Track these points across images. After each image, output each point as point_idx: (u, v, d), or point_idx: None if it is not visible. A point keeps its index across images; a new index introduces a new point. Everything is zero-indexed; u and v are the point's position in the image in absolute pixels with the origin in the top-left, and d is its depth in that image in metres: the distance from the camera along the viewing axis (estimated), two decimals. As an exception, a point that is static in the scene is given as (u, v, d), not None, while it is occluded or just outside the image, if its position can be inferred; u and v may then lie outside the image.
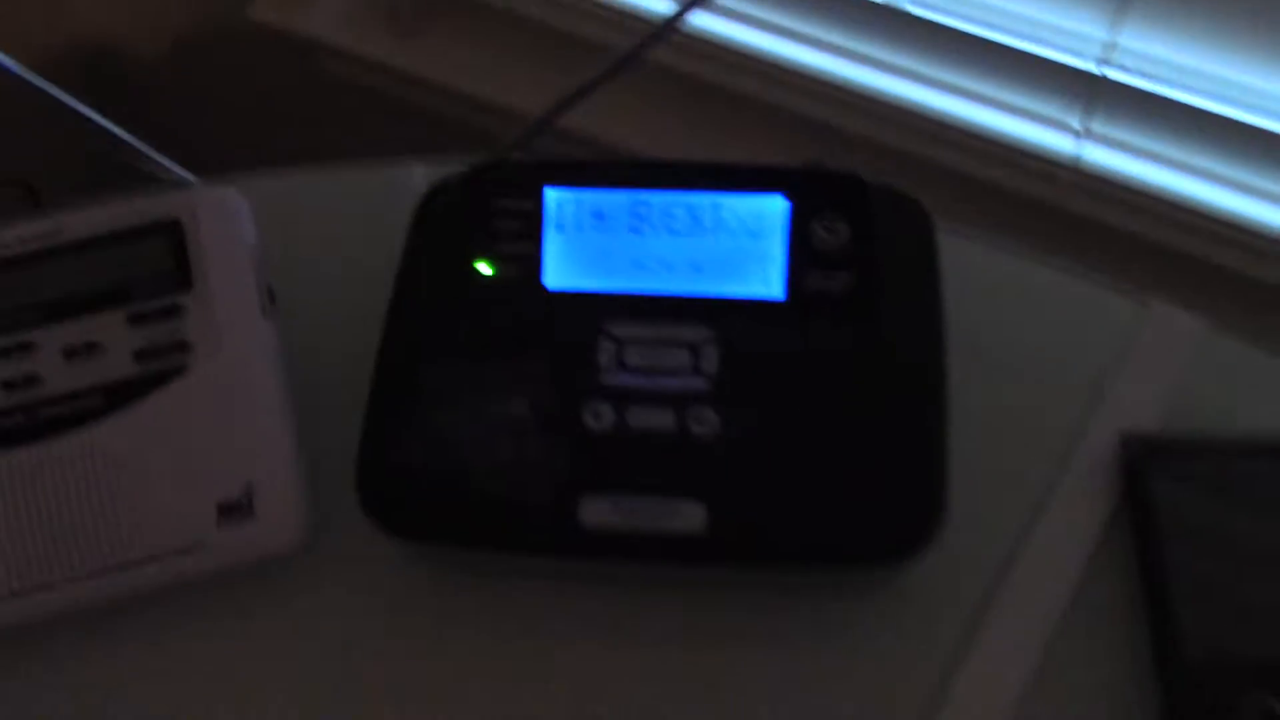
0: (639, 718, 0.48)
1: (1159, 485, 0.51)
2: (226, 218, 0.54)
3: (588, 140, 0.86)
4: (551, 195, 0.52)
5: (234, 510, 0.49)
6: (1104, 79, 0.69)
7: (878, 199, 0.52)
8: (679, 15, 0.52)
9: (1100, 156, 0.73)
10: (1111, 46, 0.67)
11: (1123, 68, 0.70)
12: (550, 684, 0.49)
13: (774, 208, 0.52)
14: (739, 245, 0.52)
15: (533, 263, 0.52)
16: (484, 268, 0.52)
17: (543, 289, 0.52)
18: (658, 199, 0.52)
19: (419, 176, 0.57)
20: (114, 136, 0.51)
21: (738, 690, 0.49)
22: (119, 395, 0.50)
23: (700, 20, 0.79)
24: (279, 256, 0.55)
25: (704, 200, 0.52)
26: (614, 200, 0.52)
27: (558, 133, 0.60)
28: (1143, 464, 0.51)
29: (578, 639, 0.50)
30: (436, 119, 0.95)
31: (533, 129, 0.56)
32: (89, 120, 0.51)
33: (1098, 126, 0.72)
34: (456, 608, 0.51)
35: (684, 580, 0.50)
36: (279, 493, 0.50)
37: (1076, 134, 0.73)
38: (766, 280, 0.51)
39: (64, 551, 0.48)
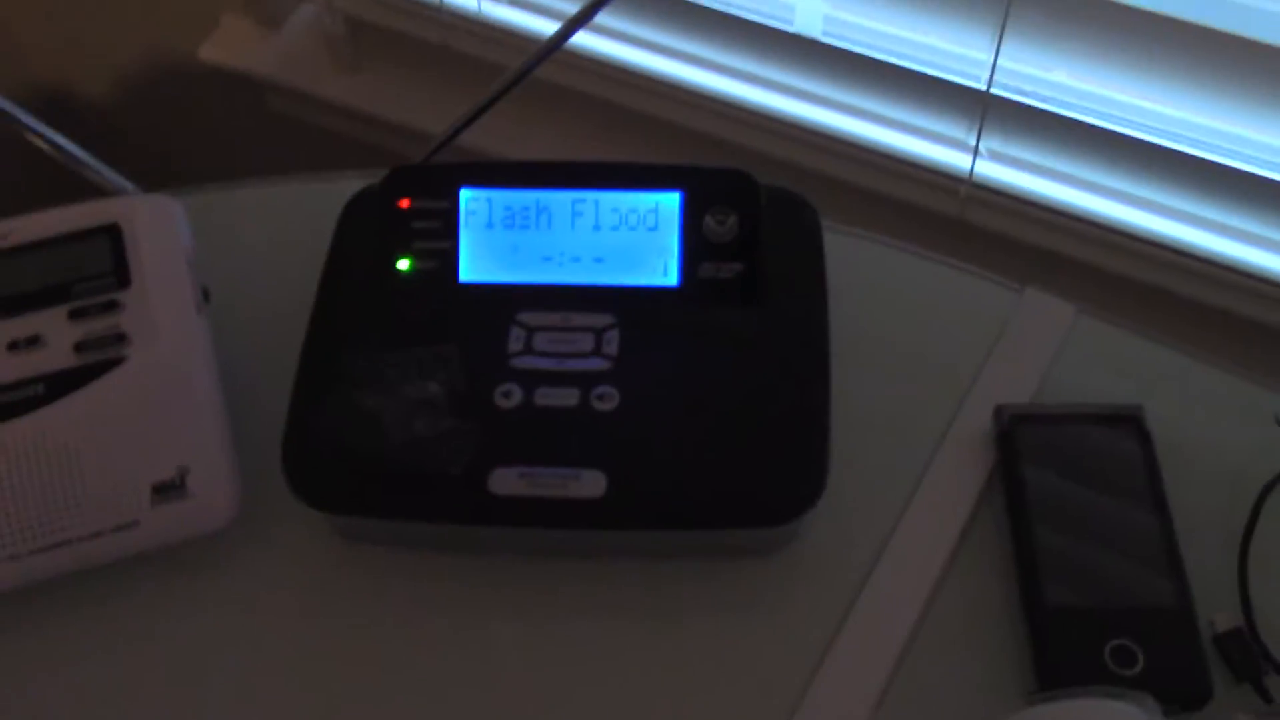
0: (544, 685, 0.52)
1: (1025, 451, 0.55)
2: (163, 221, 0.57)
3: (497, 157, 0.90)
4: (465, 195, 0.57)
5: (168, 490, 0.53)
6: (992, 96, 0.74)
7: (768, 195, 0.57)
8: (563, 37, 0.57)
9: (993, 170, 0.78)
10: (996, 68, 0.72)
11: (1008, 87, 0.75)
12: (461, 652, 0.53)
13: (668, 202, 0.56)
14: (638, 238, 0.56)
15: (448, 258, 0.56)
16: (403, 263, 0.56)
17: (457, 282, 0.56)
18: (562, 197, 0.57)
19: (350, 189, 0.61)
20: (58, 145, 0.55)
21: (631, 658, 0.52)
22: (60, 384, 0.53)
23: (591, 42, 0.84)
24: (217, 262, 0.59)
25: (604, 197, 0.56)
26: (522, 199, 0.57)
27: (473, 154, 0.64)
28: (1012, 432, 0.55)
29: (489, 610, 0.54)
30: (376, 149, 1.00)
31: (440, 143, 0.60)
32: (34, 130, 0.54)
33: (990, 142, 0.77)
34: (379, 583, 0.55)
35: (586, 551, 0.54)
36: (209, 473, 0.53)
37: (970, 149, 0.78)
38: (663, 269, 0.56)
39: (12, 529, 0.52)
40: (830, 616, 0.52)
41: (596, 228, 0.56)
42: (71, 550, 0.52)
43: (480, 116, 0.58)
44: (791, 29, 0.82)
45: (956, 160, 0.79)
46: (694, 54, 0.85)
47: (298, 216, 0.65)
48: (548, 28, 0.89)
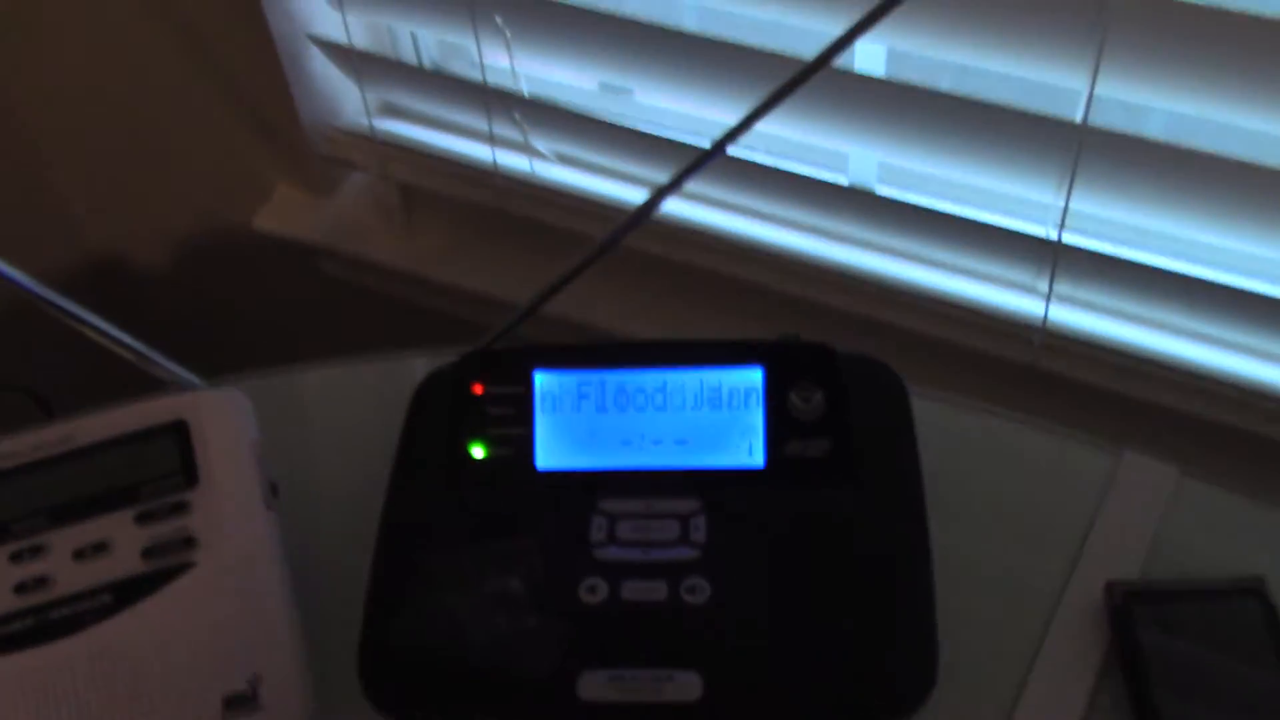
0: None
1: (1144, 631, 0.52)
2: (230, 416, 0.56)
3: (575, 325, 0.89)
4: (540, 379, 0.55)
5: (239, 703, 0.50)
6: (1063, 245, 0.72)
7: (850, 366, 0.55)
8: (650, 206, 0.56)
9: (1066, 316, 0.76)
10: (1066, 213, 0.71)
11: (1079, 231, 0.73)
12: None
13: (750, 379, 0.54)
14: (720, 418, 0.54)
15: (524, 444, 0.54)
16: (477, 451, 0.55)
17: (534, 469, 0.54)
18: (640, 378, 0.55)
19: (418, 368, 0.59)
20: (121, 343, 0.54)
21: None
22: (128, 592, 0.51)
23: (673, 207, 0.83)
24: (284, 451, 0.57)
25: (683, 376, 0.55)
26: (599, 381, 0.55)
27: (544, 320, 0.63)
28: (1127, 611, 0.52)
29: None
30: (436, 314, 0.99)
31: (517, 317, 0.59)
32: (97, 329, 0.53)
33: (1061, 288, 0.75)
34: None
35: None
36: (283, 683, 0.51)
37: (1042, 296, 0.76)
38: (749, 449, 0.53)
39: (76, 750, 0.49)
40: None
41: (677, 408, 0.54)
42: (140, 769, 0.50)
43: (554, 295, 0.57)
44: (845, 182, 0.81)
45: (1028, 307, 0.77)
46: (754, 209, 0.84)
47: (365, 399, 0.64)
48: (599, 185, 0.88)
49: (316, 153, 0.97)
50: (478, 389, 0.55)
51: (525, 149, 0.90)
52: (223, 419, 0.56)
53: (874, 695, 0.48)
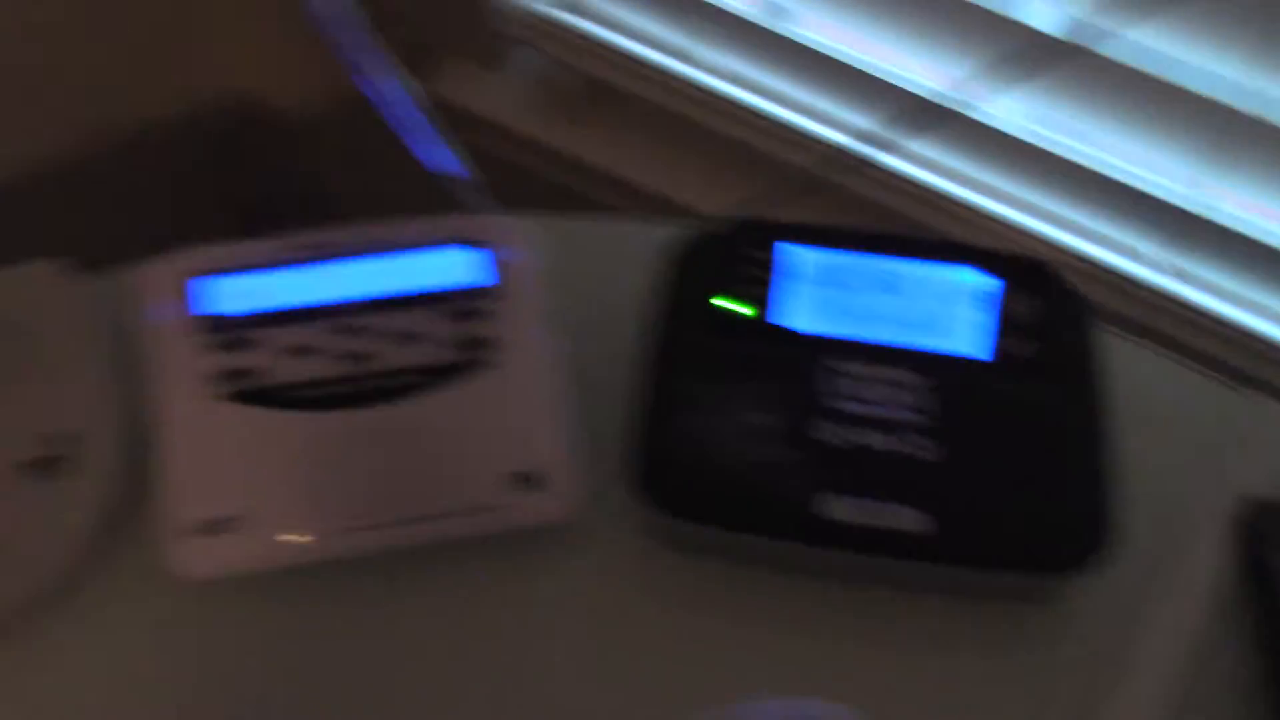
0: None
1: (1271, 549, 0.61)
2: (527, 244, 0.64)
3: None
4: (789, 250, 0.64)
5: (525, 479, 0.59)
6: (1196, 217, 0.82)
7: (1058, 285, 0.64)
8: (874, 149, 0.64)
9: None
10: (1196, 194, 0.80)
11: (1208, 206, 0.83)
12: (763, 659, 0.59)
13: (978, 280, 0.63)
14: (949, 311, 0.63)
15: (773, 304, 0.63)
16: (726, 304, 0.63)
17: (781, 327, 0.62)
18: (880, 262, 0.63)
19: (659, 234, 0.68)
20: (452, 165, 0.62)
21: (906, 686, 0.59)
22: (437, 376, 0.60)
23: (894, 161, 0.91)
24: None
25: (922, 269, 0.63)
26: (840, 259, 0.63)
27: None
28: (1258, 527, 0.62)
29: (791, 626, 0.60)
30: (586, 204, 1.07)
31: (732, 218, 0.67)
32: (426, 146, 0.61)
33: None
34: (700, 590, 0.61)
35: (899, 584, 0.61)
36: (562, 469, 0.59)
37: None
38: (971, 341, 0.62)
39: (384, 500, 0.58)
40: (1090, 674, 0.59)
41: (910, 295, 0.63)
42: (431, 525, 0.58)
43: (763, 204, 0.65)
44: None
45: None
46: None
47: (613, 252, 0.72)
48: (761, 102, 0.97)
49: (494, 28, 1.03)
50: (736, 251, 0.64)
51: (689, 58, 0.97)
52: (521, 245, 0.64)
53: (1061, 548, 0.58)
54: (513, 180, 1.11)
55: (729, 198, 0.99)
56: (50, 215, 1.15)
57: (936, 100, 0.87)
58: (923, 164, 0.93)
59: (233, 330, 0.60)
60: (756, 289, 0.63)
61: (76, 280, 0.65)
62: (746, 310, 0.63)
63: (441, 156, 0.62)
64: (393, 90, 0.59)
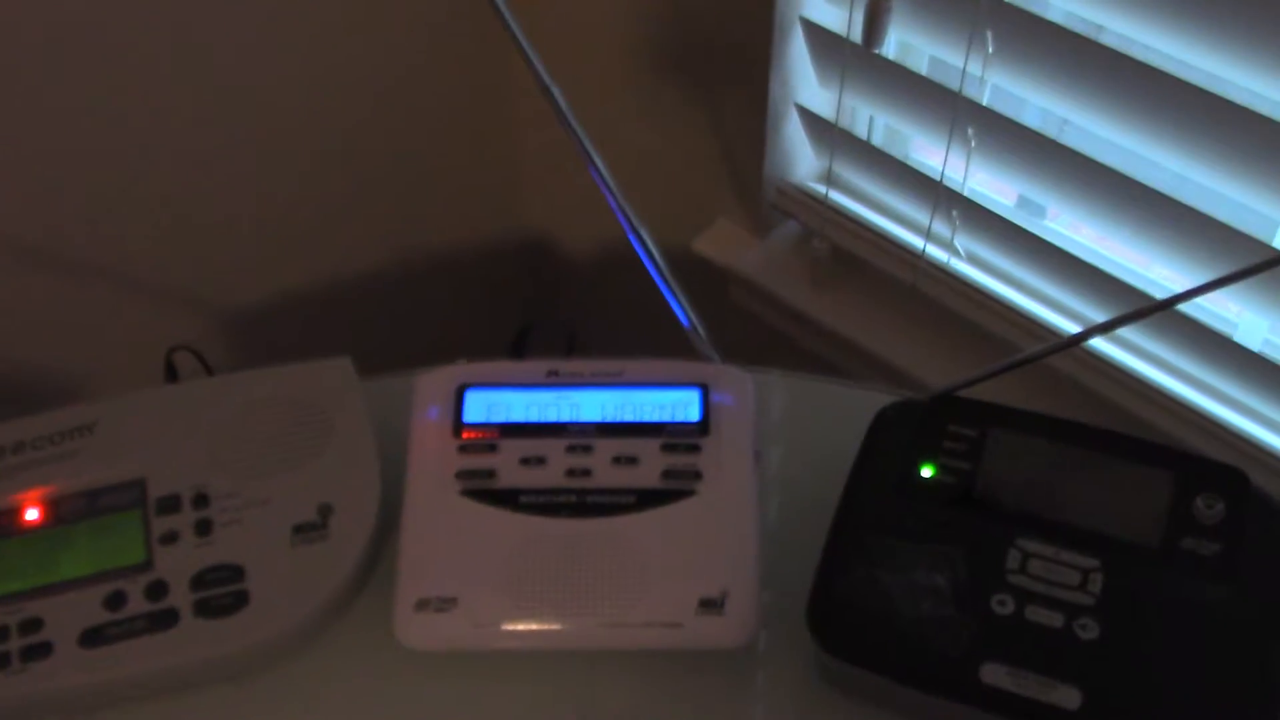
0: None
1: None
2: (739, 390, 0.72)
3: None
4: (994, 433, 0.68)
5: (710, 605, 0.65)
6: None
7: (1256, 496, 0.66)
8: (1084, 336, 0.68)
9: None
10: None
11: None
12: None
13: (1162, 479, 0.66)
14: (1130, 502, 0.66)
15: (968, 477, 0.67)
16: (927, 471, 0.68)
17: (971, 498, 0.67)
18: (1075, 454, 0.67)
19: (874, 400, 0.74)
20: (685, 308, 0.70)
21: None
22: (646, 499, 0.67)
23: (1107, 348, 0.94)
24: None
25: (1111, 463, 0.67)
26: (1041, 449, 0.68)
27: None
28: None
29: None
30: (820, 359, 1.14)
31: (958, 384, 0.72)
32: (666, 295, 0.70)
33: None
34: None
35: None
36: (744, 598, 0.65)
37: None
38: (1148, 532, 0.65)
39: (588, 603, 0.65)
40: None
41: (1097, 484, 0.66)
42: (626, 633, 0.65)
43: (986, 380, 0.70)
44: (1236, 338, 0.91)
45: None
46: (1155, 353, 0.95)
47: (827, 409, 0.78)
48: (1005, 290, 1.01)
49: (765, 200, 1.13)
50: (940, 424, 0.69)
51: (949, 246, 1.04)
52: (734, 390, 0.72)
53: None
54: (756, 333, 1.20)
55: (952, 372, 1.04)
56: (359, 318, 1.32)
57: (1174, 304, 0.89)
58: (1153, 361, 0.95)
59: (482, 435, 0.70)
60: (956, 461, 0.68)
61: (363, 379, 0.77)
62: (943, 479, 0.68)
63: (683, 310, 0.70)
64: (654, 249, 0.69)
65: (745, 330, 1.22)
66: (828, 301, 1.11)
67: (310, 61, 1.11)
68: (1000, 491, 0.67)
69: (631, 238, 0.68)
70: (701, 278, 1.20)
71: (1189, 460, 0.67)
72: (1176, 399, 0.93)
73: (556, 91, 0.66)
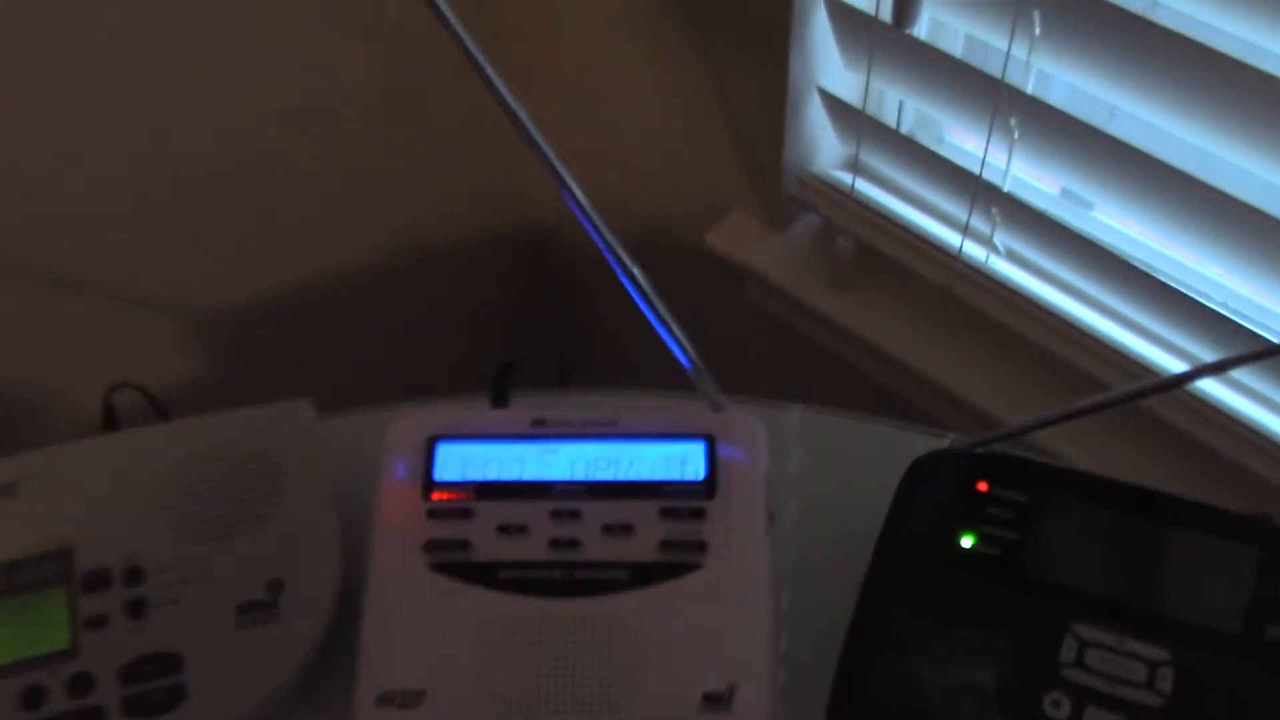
0: None
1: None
2: (750, 442, 0.62)
3: (1045, 453, 0.88)
4: (1046, 497, 0.59)
5: (717, 701, 0.56)
6: None
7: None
8: (1188, 377, 0.58)
9: None
10: None
11: None
12: None
13: (1246, 556, 0.56)
14: (1207, 582, 0.56)
15: (1014, 549, 0.58)
16: (967, 541, 0.59)
17: (1019, 575, 0.58)
18: (1142, 526, 0.58)
19: (910, 443, 0.64)
20: (682, 345, 0.61)
21: None
22: (642, 575, 0.58)
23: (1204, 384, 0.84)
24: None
25: (1184, 536, 0.57)
26: (1101, 518, 0.58)
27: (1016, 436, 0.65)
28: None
29: None
30: (847, 367, 1.05)
31: (1007, 433, 0.62)
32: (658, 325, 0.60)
33: None
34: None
35: None
36: (756, 695, 0.56)
37: None
38: (1230, 618, 0.55)
39: (570, 698, 0.56)
40: None
41: (1167, 560, 0.57)
42: (615, 733, 0.56)
43: (1055, 425, 0.60)
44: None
45: None
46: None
47: (852, 453, 0.69)
48: (1047, 291, 0.91)
49: (785, 191, 1.03)
50: (982, 486, 0.60)
51: (988, 242, 0.93)
52: (744, 443, 0.62)
53: None
54: (773, 335, 1.11)
55: (987, 384, 0.94)
56: (349, 314, 1.23)
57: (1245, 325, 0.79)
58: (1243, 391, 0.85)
59: (455, 497, 0.61)
60: (1003, 530, 0.59)
61: (332, 416, 0.68)
62: (986, 550, 0.59)
63: (682, 350, 0.61)
64: (646, 285, 0.59)
65: (761, 332, 1.13)
66: (852, 304, 1.01)
67: (283, 56, 1.01)
68: (1053, 567, 0.58)
69: (618, 270, 0.59)
70: (714, 274, 1.11)
71: (1272, 533, 0.57)
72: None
73: (519, 108, 0.57)
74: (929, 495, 0.61)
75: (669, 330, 0.61)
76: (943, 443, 0.68)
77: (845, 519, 0.63)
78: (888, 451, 0.65)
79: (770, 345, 1.14)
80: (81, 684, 0.57)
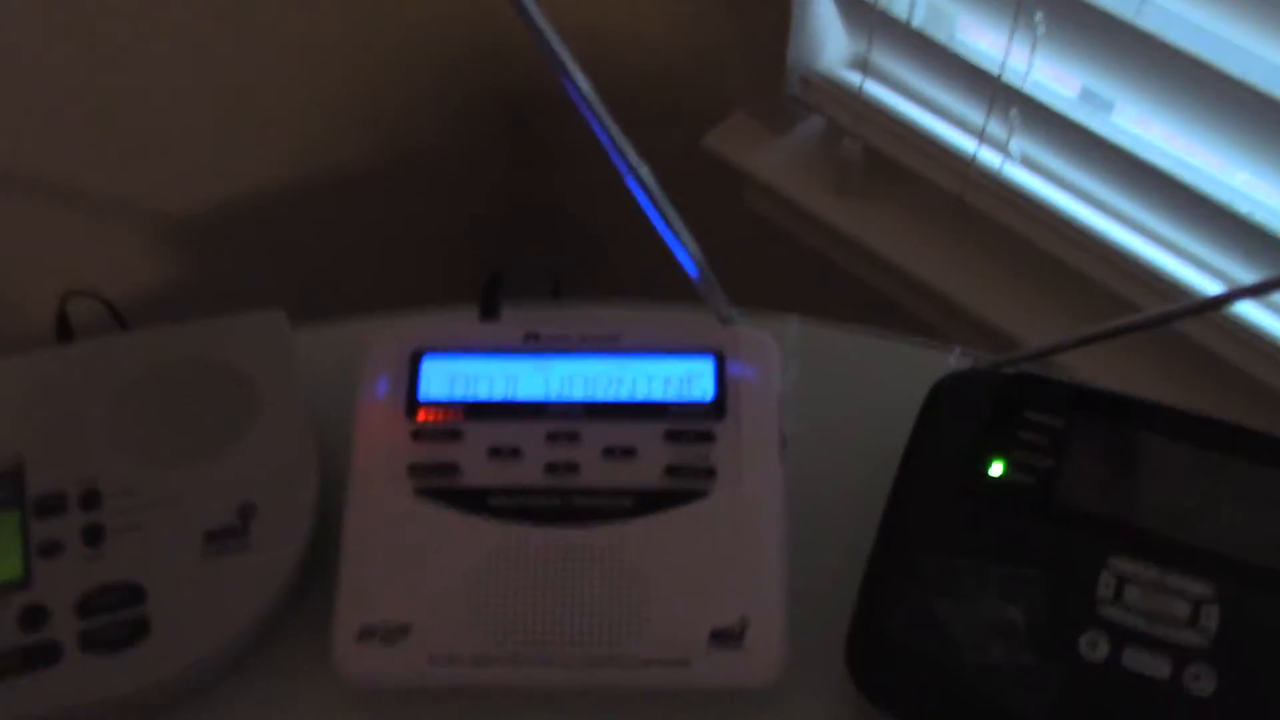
0: None
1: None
2: (763, 360, 0.57)
3: (1068, 371, 0.85)
4: (1082, 420, 0.54)
5: (726, 637, 0.52)
6: None
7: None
8: (1225, 300, 0.54)
9: None
10: None
11: None
12: None
13: (1308, 488, 0.52)
14: (1253, 514, 0.52)
15: (1048, 477, 0.54)
16: (996, 468, 0.54)
17: (1052, 504, 0.53)
18: (1184, 452, 0.53)
19: (932, 361, 0.60)
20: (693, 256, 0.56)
21: None
22: (646, 503, 0.54)
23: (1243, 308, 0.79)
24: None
25: (1232, 465, 0.53)
26: (1142, 444, 0.54)
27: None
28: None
29: None
30: (852, 278, 0.99)
31: (1035, 352, 0.58)
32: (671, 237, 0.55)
33: None
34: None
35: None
36: (767, 629, 0.52)
37: None
38: (1277, 552, 0.52)
39: (571, 636, 0.52)
40: None
41: (1213, 489, 0.53)
42: (619, 672, 0.52)
43: (1086, 345, 0.56)
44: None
45: None
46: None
47: (854, 370, 0.64)
48: (1068, 203, 0.86)
49: (788, 91, 0.97)
50: (1015, 406, 0.55)
51: (1004, 148, 0.88)
52: (756, 361, 0.57)
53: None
54: (774, 244, 1.06)
55: (1002, 300, 0.90)
56: (323, 216, 1.16)
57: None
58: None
59: (443, 418, 0.56)
60: (1036, 457, 0.54)
61: (308, 325, 0.63)
62: (1018, 478, 0.54)
63: (692, 261, 0.56)
64: (654, 187, 0.54)
65: (760, 241, 1.07)
66: (857, 211, 0.96)
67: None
68: (1089, 496, 0.54)
69: (622, 168, 0.53)
70: (713, 178, 1.05)
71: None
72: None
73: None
74: (954, 418, 0.56)
75: (676, 236, 0.55)
76: (950, 359, 0.64)
77: (844, 438, 0.59)
78: (892, 367, 0.60)
79: (769, 255, 1.08)
80: (35, 617, 0.52)
